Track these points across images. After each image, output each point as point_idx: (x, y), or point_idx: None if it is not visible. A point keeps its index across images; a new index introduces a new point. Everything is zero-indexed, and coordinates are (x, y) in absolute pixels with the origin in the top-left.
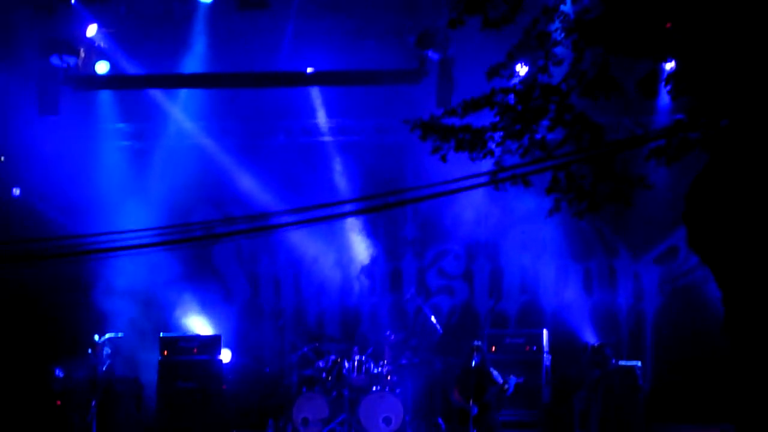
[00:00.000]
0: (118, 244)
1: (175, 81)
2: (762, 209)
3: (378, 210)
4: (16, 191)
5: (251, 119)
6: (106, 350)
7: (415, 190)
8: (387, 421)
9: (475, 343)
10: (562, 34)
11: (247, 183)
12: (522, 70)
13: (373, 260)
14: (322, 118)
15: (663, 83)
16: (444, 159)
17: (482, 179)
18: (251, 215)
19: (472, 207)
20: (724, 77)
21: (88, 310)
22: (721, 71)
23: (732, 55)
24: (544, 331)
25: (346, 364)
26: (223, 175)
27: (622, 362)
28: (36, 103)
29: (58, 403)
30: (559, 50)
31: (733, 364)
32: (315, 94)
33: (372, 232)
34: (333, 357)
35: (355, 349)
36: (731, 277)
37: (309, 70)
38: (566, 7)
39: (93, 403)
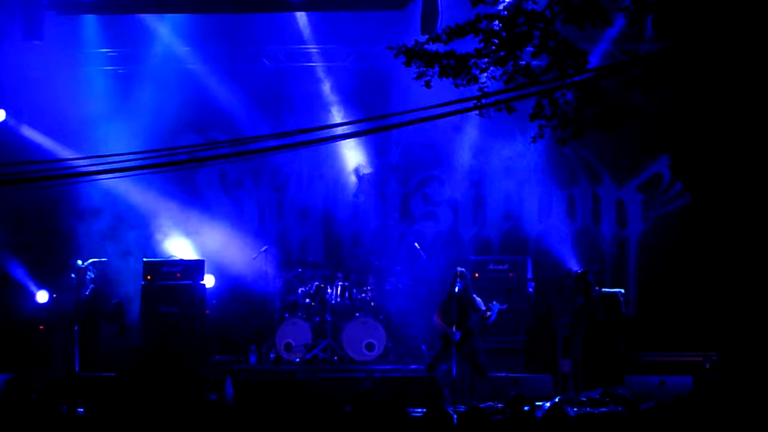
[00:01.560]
0: (102, 168)
1: (160, 5)
2: (742, 137)
3: (362, 135)
4: (0, 115)
5: (235, 44)
6: (89, 275)
7: (399, 115)
8: (370, 346)
9: (459, 269)
10: None
11: (232, 108)
12: None
13: (358, 185)
14: (307, 43)
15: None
16: (428, 85)
17: (466, 105)
18: (235, 139)
19: (457, 133)
20: (702, 8)
21: (71, 234)
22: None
23: None
24: (528, 258)
25: (330, 290)
26: (208, 100)
27: (605, 289)
28: (20, 28)
29: (41, 327)
30: None
31: (714, 291)
32: (300, 19)
33: (356, 158)
34: (316, 283)
35: (339, 274)
36: (712, 203)
37: None
38: None
39: (76, 327)
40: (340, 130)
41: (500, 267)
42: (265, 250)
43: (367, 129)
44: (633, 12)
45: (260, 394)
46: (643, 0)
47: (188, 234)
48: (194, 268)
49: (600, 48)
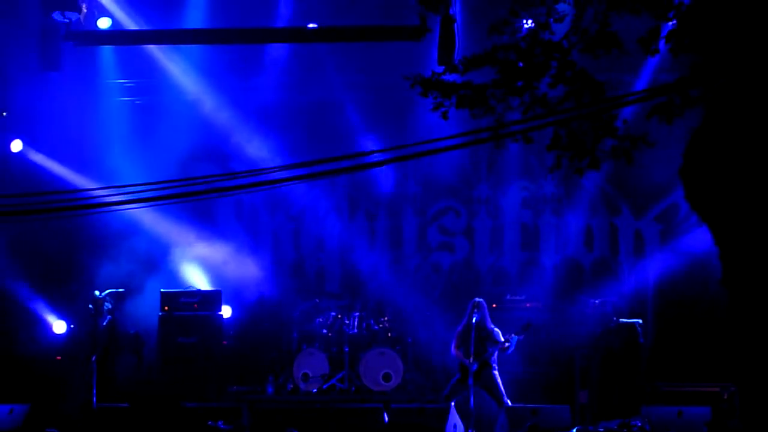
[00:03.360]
0: (120, 198)
1: (177, 36)
2: (758, 164)
3: (378, 166)
4: (17, 146)
5: (252, 75)
6: (107, 305)
7: (416, 145)
8: (387, 377)
9: (476, 300)
10: None
11: (249, 139)
12: (525, 24)
13: (374, 216)
14: (323, 73)
15: (664, 40)
16: (445, 116)
17: (483, 135)
18: (252, 170)
19: (473, 163)
20: (722, 37)
21: (89, 265)
22: (719, 31)
23: (729, 16)
24: (545, 288)
25: (347, 321)
26: (225, 131)
27: (623, 320)
28: (38, 59)
29: (59, 358)
30: (561, 6)
31: (732, 320)
32: (316, 50)
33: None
34: (333, 313)
35: (356, 305)
36: (728, 232)
37: (311, 25)
38: None
39: (93, 358)
40: (362, 159)
41: (518, 297)
42: (281, 280)
43: (383, 160)
44: (649, 42)
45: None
46: (658, 30)
47: (205, 264)
48: (211, 298)
49: (643, 78)
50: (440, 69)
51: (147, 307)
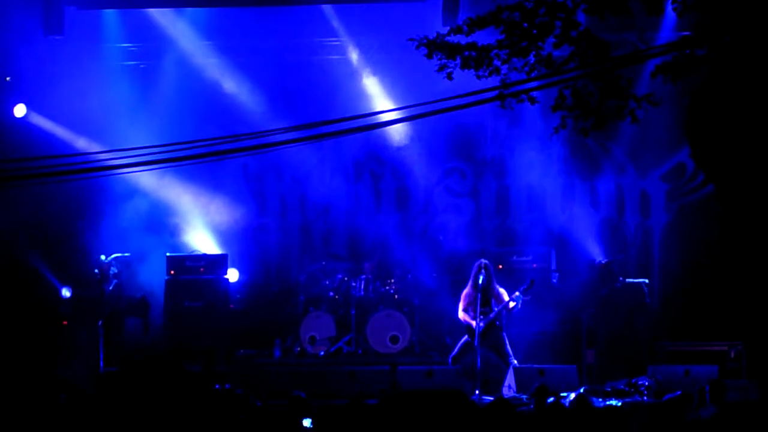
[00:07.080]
0: (124, 161)
1: None
2: (761, 121)
3: (381, 126)
4: (21, 110)
5: (256, 37)
6: (113, 270)
7: (420, 106)
8: (394, 339)
9: (482, 261)
10: None
11: (254, 101)
12: None
13: (380, 177)
14: (331, 36)
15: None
16: (450, 77)
17: (488, 96)
18: (255, 132)
19: (479, 124)
20: None
21: (95, 229)
22: None
23: None
24: (552, 249)
25: (354, 283)
26: (230, 94)
27: (629, 279)
28: (41, 23)
29: (65, 323)
30: None
31: (739, 279)
32: (322, 12)
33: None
34: (340, 276)
35: (363, 267)
36: (732, 188)
37: None
38: None
39: (99, 322)
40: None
41: (524, 258)
42: (288, 244)
43: (386, 121)
44: (653, 2)
45: None
46: None
47: (212, 228)
48: (218, 262)
49: (663, 35)
50: (445, 30)
51: (153, 271)
